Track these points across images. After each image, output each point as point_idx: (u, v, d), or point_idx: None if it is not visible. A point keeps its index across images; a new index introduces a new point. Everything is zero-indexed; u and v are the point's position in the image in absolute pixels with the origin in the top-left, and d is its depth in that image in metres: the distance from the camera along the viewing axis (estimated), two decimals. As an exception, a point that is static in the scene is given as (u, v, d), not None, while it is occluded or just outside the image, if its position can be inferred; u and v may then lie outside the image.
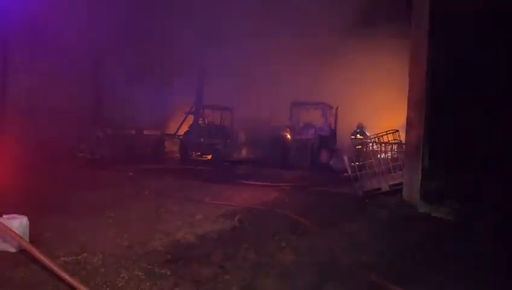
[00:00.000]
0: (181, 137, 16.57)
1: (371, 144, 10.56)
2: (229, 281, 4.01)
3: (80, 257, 4.32)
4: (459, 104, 7.68)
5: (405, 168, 8.15)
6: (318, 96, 15.90)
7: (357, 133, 15.36)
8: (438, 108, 7.87)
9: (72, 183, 8.98)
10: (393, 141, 10.76)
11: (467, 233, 6.26)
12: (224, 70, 17.34)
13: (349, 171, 9.22)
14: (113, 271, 4.03)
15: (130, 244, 4.88)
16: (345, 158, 9.46)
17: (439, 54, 7.73)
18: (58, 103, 14.67)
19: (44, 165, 10.71)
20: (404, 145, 8.93)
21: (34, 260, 3.74)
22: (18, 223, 4.41)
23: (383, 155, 10.20)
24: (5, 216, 4.48)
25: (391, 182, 8.59)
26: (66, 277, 3.43)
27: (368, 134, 14.75)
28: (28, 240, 4.19)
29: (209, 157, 16.54)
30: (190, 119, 16.88)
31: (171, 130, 17.38)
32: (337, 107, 15.30)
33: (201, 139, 16.14)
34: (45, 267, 3.64)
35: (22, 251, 4.12)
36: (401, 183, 8.18)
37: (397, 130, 11.00)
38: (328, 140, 15.22)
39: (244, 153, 17.18)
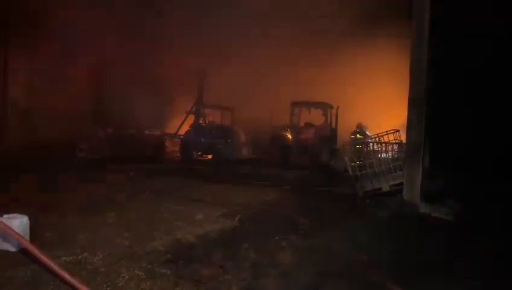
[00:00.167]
0: (182, 137, 16.58)
1: (371, 144, 10.56)
2: (229, 281, 4.01)
3: (80, 257, 4.33)
4: (460, 104, 7.68)
5: (405, 168, 8.14)
6: (318, 96, 15.90)
7: (357, 133, 15.36)
8: (438, 108, 7.86)
9: (73, 183, 8.99)
10: (394, 141, 10.76)
11: (468, 233, 6.26)
12: (224, 70, 17.36)
13: (350, 171, 9.22)
14: (114, 271, 4.03)
15: (131, 244, 4.88)
16: (346, 158, 9.46)
17: (439, 54, 7.72)
18: (58, 103, 14.70)
19: (45, 165, 10.72)
20: (404, 145, 8.92)
21: (35, 259, 3.74)
22: (18, 222, 4.42)
23: (383, 155, 10.19)
24: (5, 216, 4.48)
25: (392, 182, 8.58)
26: (67, 276, 3.43)
27: (368, 134, 14.74)
28: (28, 240, 4.19)
29: (210, 157, 16.55)
30: (191, 119, 16.90)
31: (172, 129, 17.40)
32: (338, 107, 15.29)
33: (202, 139, 16.15)
34: (46, 267, 3.64)
35: (23, 251, 4.12)
36: (401, 183, 8.16)
37: (398, 130, 11.00)
38: (328, 140, 15.21)
39: (244, 153, 17.19)
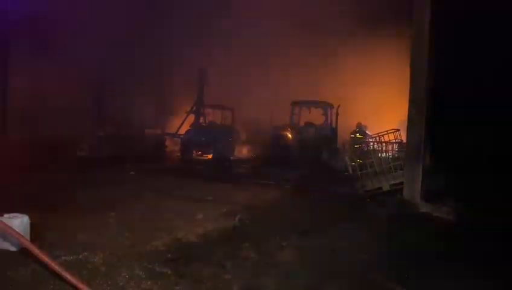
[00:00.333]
0: (182, 136, 16.59)
1: (371, 143, 10.56)
2: (229, 280, 4.01)
3: (80, 256, 4.33)
4: (460, 104, 7.67)
5: (406, 168, 8.14)
6: (319, 96, 15.89)
7: (357, 132, 15.35)
8: (439, 107, 7.86)
9: (73, 182, 8.99)
10: (394, 140, 10.76)
11: (468, 233, 6.26)
12: (224, 70, 17.36)
13: (350, 171, 9.22)
14: (114, 270, 4.04)
15: (131, 243, 4.89)
16: (346, 158, 9.46)
17: (439, 54, 7.72)
18: (59, 103, 14.69)
19: (45, 164, 10.71)
20: (405, 145, 8.93)
21: (35, 259, 3.74)
22: (19, 222, 4.42)
23: (384, 154, 10.19)
24: (6, 215, 4.48)
25: (392, 182, 8.59)
26: (67, 276, 3.43)
27: (369, 133, 14.73)
28: (28, 239, 4.19)
29: (210, 156, 16.55)
30: (191, 118, 16.89)
31: (172, 129, 17.40)
32: (338, 106, 15.27)
33: (202, 139, 16.14)
34: (46, 266, 3.64)
35: (23, 250, 4.12)
36: (402, 183, 8.17)
37: (398, 130, 11.00)
38: (329, 139, 15.20)
39: (244, 152, 17.18)
